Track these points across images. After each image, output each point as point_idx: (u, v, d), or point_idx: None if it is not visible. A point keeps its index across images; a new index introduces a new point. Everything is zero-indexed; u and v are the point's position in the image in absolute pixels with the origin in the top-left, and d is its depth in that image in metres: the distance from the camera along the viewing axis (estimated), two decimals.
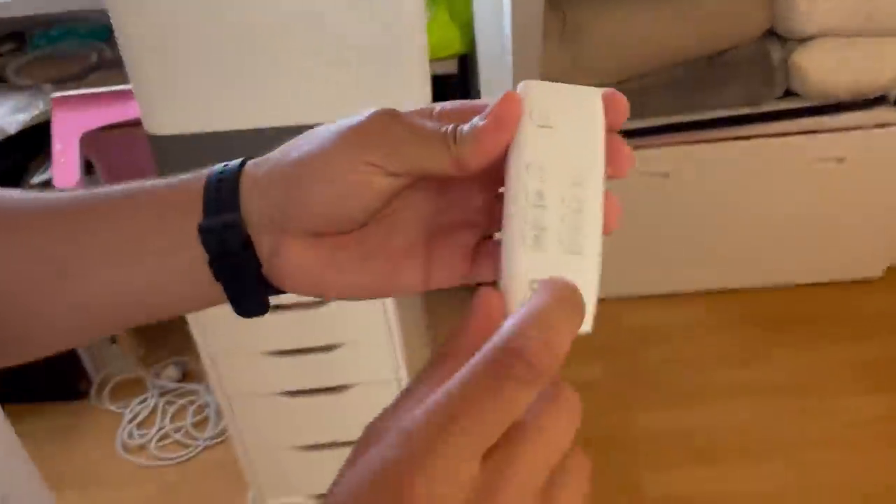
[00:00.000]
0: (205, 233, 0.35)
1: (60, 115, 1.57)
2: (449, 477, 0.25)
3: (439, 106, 0.35)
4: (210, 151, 0.96)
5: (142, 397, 1.85)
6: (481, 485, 0.25)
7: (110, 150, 1.77)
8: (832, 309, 1.85)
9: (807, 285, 1.90)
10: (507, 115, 0.31)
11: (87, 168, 1.68)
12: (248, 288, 0.37)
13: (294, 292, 0.37)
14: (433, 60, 1.59)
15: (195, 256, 0.35)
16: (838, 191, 1.78)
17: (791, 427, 1.60)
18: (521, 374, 0.25)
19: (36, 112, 1.61)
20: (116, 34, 0.93)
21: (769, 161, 1.75)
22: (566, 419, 0.27)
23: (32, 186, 1.68)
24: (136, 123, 1.57)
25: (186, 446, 1.72)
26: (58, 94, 1.57)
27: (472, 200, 0.37)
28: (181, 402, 1.83)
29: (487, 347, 0.26)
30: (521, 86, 0.32)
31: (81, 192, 0.39)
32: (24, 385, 1.79)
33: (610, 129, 0.33)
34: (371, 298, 0.37)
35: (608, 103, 0.32)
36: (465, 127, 0.32)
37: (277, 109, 0.95)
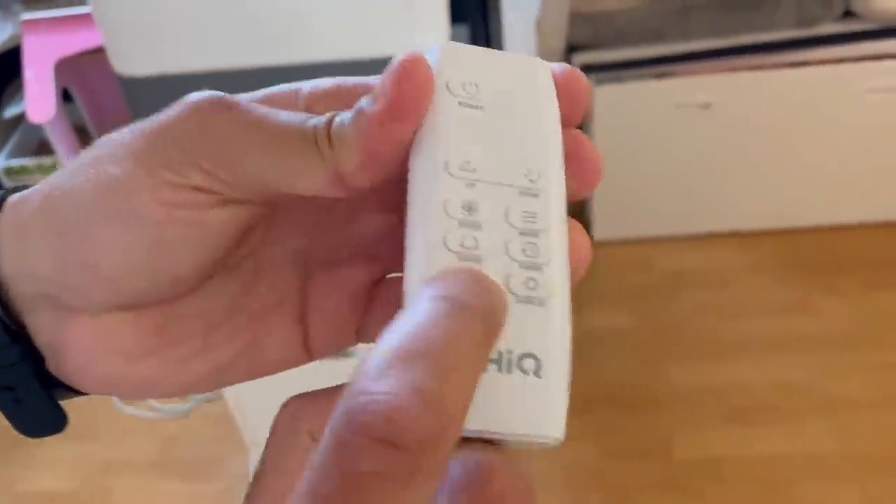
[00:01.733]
0: None
1: (32, 39, 1.40)
2: None
3: (309, 85, 0.22)
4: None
5: None
6: None
7: (91, 78, 1.60)
8: (887, 252, 1.70)
9: (859, 225, 1.74)
10: (411, 93, 0.19)
11: (66, 97, 1.52)
12: (27, 395, 0.23)
13: (103, 394, 0.23)
14: None
15: None
16: (894, 123, 1.61)
17: (837, 385, 1.48)
18: (381, 467, 0.14)
19: (6, 37, 1.44)
20: None
21: (820, 91, 1.58)
22: None
23: (6, 122, 1.53)
24: None
25: (185, 399, 1.63)
26: (28, 15, 1.40)
27: (365, 225, 0.24)
28: None
29: (331, 422, 0.15)
30: (432, 49, 0.21)
31: None
32: None
33: (566, 124, 0.21)
34: (225, 386, 0.24)
35: (563, 85, 0.21)
36: (347, 115, 0.20)
37: (268, 44, 0.79)
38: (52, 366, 0.22)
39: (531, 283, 0.18)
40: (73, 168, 0.21)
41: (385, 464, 0.14)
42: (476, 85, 0.21)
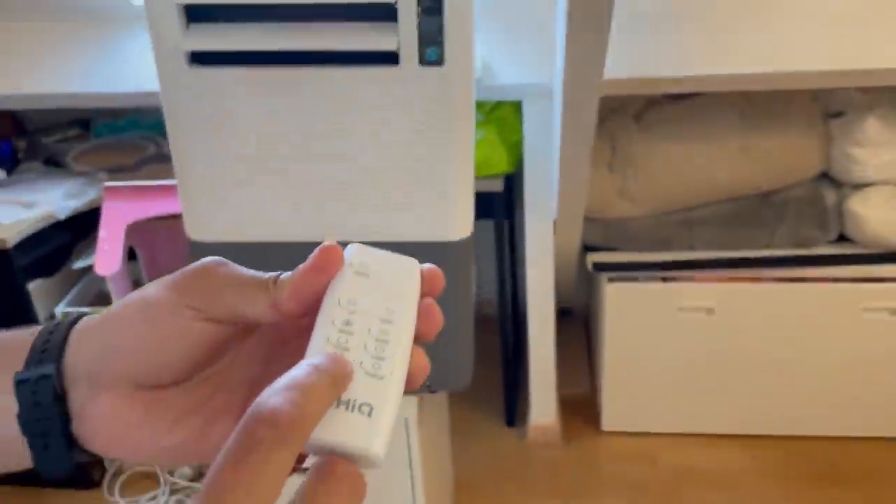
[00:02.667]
0: (19, 384, 0.34)
1: (110, 204, 1.59)
2: None
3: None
4: (249, 263, 0.94)
5: (152, 493, 1.80)
6: None
7: (154, 241, 1.79)
8: (885, 466, 1.73)
9: (858, 438, 1.79)
10: (325, 261, 0.33)
11: (130, 255, 1.70)
12: (53, 444, 0.34)
13: (102, 453, 0.35)
14: (479, 178, 1.60)
15: (7, 408, 0.34)
16: (892, 343, 1.70)
17: None
18: (266, 435, 0.26)
19: (87, 199, 1.65)
20: (169, 133, 0.94)
21: (819, 306, 1.69)
22: (345, 490, 0.27)
23: (75, 271, 1.70)
24: (180, 216, 1.60)
25: None
26: (110, 183, 1.60)
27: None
28: (191, 502, 1.78)
29: (243, 418, 0.27)
30: (350, 246, 0.34)
31: None
32: None
33: (429, 294, 0.34)
34: (186, 463, 0.35)
35: (427, 276, 0.34)
36: (286, 273, 0.33)
37: (320, 224, 0.94)
38: (75, 426, 0.34)
39: (376, 366, 0.30)
40: (125, 300, 0.35)
41: (269, 434, 0.26)
42: (367, 265, 0.34)
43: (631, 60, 1.35)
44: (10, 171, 1.75)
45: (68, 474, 0.35)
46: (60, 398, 0.34)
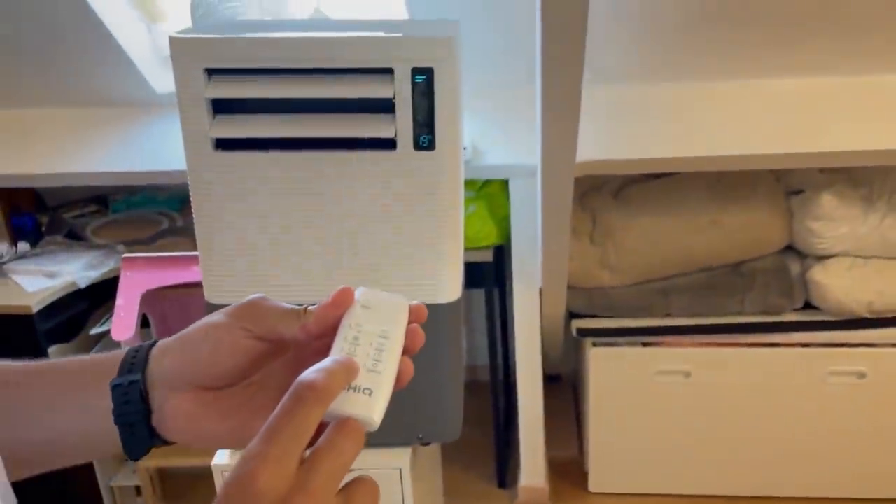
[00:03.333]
0: (114, 387, 0.47)
1: (127, 274, 1.72)
2: (279, 471, 0.37)
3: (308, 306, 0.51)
4: None
5: None
6: (298, 478, 0.37)
7: (165, 309, 1.90)
8: None
9: (830, 499, 1.87)
10: (341, 298, 0.46)
11: (144, 322, 1.81)
12: (137, 433, 0.47)
13: (173, 439, 0.48)
14: (471, 249, 1.73)
15: (106, 406, 0.47)
16: (859, 407, 1.80)
17: None
18: (308, 395, 0.39)
19: (106, 269, 1.77)
20: (194, 208, 1.07)
21: (789, 370, 1.80)
22: (352, 439, 0.39)
23: (91, 337, 1.81)
24: (193, 286, 1.72)
25: None
26: (128, 255, 1.73)
27: None
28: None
29: (290, 388, 0.40)
30: (358, 290, 0.47)
31: (43, 361, 0.52)
32: None
33: (416, 321, 0.47)
34: (233, 447, 0.47)
35: (414, 309, 0.47)
36: (312, 305, 0.47)
37: (322, 288, 1.07)
38: (154, 419, 0.47)
39: (374, 365, 0.43)
40: (195, 324, 0.48)
41: (309, 395, 0.38)
42: (370, 301, 0.46)
43: (605, 144, 1.50)
44: (34, 244, 1.88)
45: (144, 455, 0.48)
46: (144, 398, 0.46)
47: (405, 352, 0.45)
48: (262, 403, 0.47)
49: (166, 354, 0.47)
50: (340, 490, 0.39)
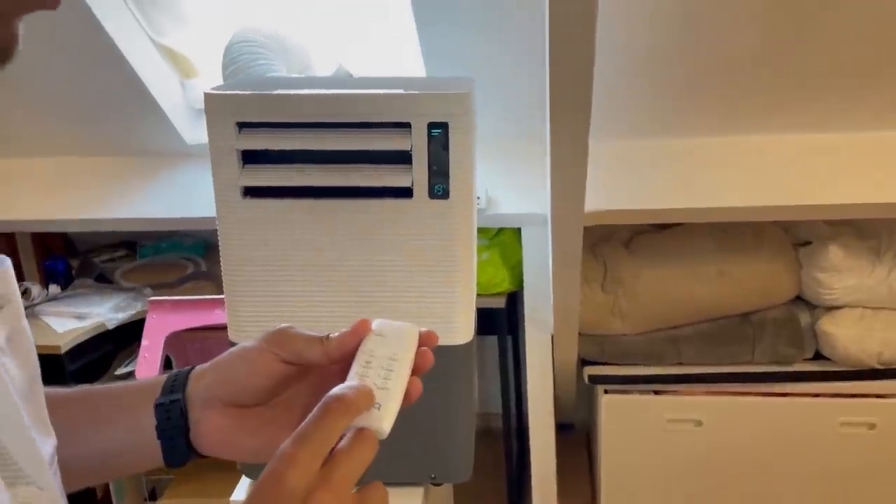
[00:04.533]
0: (157, 406, 0.54)
1: (153, 317, 1.78)
2: (306, 470, 0.42)
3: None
4: None
5: None
6: (321, 476, 0.43)
7: (188, 351, 1.96)
8: None
9: None
10: (359, 328, 0.52)
11: (167, 364, 1.86)
12: (177, 446, 0.54)
13: (208, 453, 0.54)
14: (484, 295, 1.78)
15: (151, 423, 0.54)
16: (870, 457, 1.81)
17: None
18: (336, 407, 0.44)
19: (133, 312, 1.83)
20: (221, 251, 1.14)
21: (800, 420, 1.81)
22: (367, 446, 0.45)
23: (116, 377, 1.87)
24: (214, 328, 1.78)
25: None
26: (154, 297, 1.79)
27: None
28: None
29: (321, 402, 0.45)
30: (375, 321, 0.54)
31: (95, 386, 0.60)
32: None
33: (426, 344, 0.53)
34: (261, 461, 0.54)
35: (424, 334, 0.53)
36: (334, 333, 0.53)
37: (342, 328, 1.12)
38: (192, 435, 0.53)
39: (383, 384, 0.49)
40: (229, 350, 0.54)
41: (338, 407, 0.45)
42: (384, 330, 0.53)
43: (613, 195, 1.55)
44: (65, 287, 1.95)
45: (182, 464, 0.54)
46: (184, 415, 0.51)
47: (415, 371, 0.51)
48: (288, 421, 0.52)
49: (203, 376, 0.53)
50: (355, 492, 0.44)
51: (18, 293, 0.48)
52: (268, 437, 0.52)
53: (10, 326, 0.47)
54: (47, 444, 0.48)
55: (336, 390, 0.45)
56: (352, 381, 0.49)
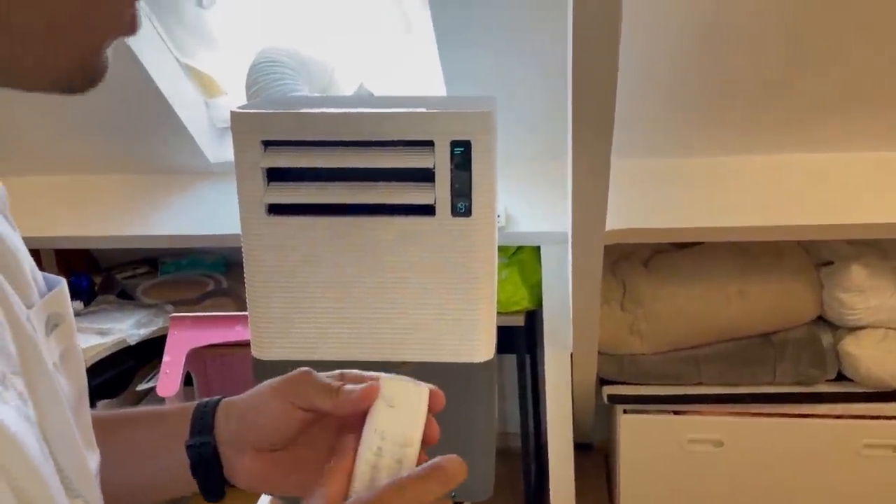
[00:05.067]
0: (188, 448, 0.56)
1: (175, 333, 1.79)
2: None
3: (347, 371, 0.57)
4: None
5: None
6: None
7: (208, 367, 1.97)
8: None
9: None
10: (367, 396, 0.52)
11: (187, 380, 1.87)
12: (214, 483, 0.57)
13: (244, 488, 0.56)
14: (503, 313, 1.78)
15: (184, 460, 0.56)
16: (893, 480, 1.78)
17: None
18: (439, 476, 0.46)
19: (155, 328, 1.85)
20: (246, 268, 1.15)
21: (822, 442, 1.79)
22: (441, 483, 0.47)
23: (138, 393, 1.88)
24: (235, 345, 1.79)
25: None
26: (175, 314, 1.81)
27: (350, 441, 0.55)
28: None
29: (430, 463, 0.48)
30: (383, 377, 0.53)
31: (131, 410, 0.62)
32: None
33: (433, 410, 0.52)
34: (294, 494, 0.55)
35: (432, 397, 0.52)
36: (348, 387, 0.53)
37: (365, 344, 1.13)
38: (226, 472, 0.56)
39: (397, 472, 0.50)
40: (252, 390, 0.56)
41: (439, 475, 0.46)
42: (393, 397, 0.52)
43: (634, 213, 1.56)
44: (87, 303, 1.98)
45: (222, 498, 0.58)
46: (216, 455, 0.56)
47: (424, 442, 0.52)
48: (315, 458, 0.55)
49: (229, 420, 0.56)
50: None
51: (72, 312, 0.50)
52: (300, 477, 0.55)
53: (65, 345, 0.48)
54: (93, 460, 0.49)
55: (443, 461, 0.47)
56: (363, 466, 0.50)
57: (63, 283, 0.49)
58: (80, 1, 0.37)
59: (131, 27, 0.40)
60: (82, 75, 0.41)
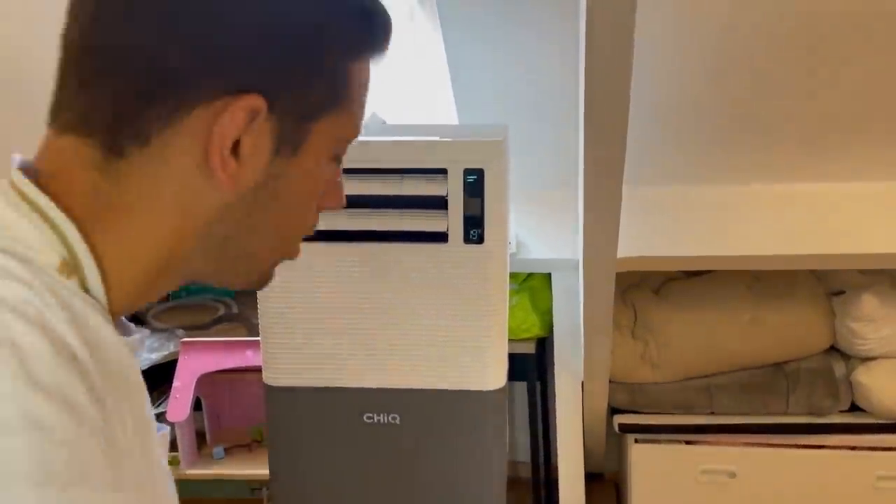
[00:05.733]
0: None
1: (185, 358, 1.80)
2: None
3: None
4: (315, 404, 1.12)
5: None
6: None
7: (217, 392, 1.97)
8: None
9: None
10: None
11: (197, 405, 1.87)
12: None
13: None
14: (514, 340, 1.78)
15: None
16: None
17: None
18: None
19: (166, 353, 1.85)
20: (259, 298, 1.15)
21: (836, 473, 1.77)
22: None
23: None
24: (245, 371, 1.79)
25: None
26: (186, 339, 1.81)
27: None
28: None
29: None
30: None
31: None
32: None
33: None
34: None
35: None
36: None
37: (376, 370, 1.13)
38: None
39: None
40: None
41: None
42: None
43: (645, 241, 1.56)
44: None
45: None
46: None
47: None
48: None
49: None
50: None
51: None
52: None
53: None
54: None
55: None
56: None
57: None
58: (279, 238, 0.50)
59: (297, 253, 0.54)
60: (259, 284, 0.54)
